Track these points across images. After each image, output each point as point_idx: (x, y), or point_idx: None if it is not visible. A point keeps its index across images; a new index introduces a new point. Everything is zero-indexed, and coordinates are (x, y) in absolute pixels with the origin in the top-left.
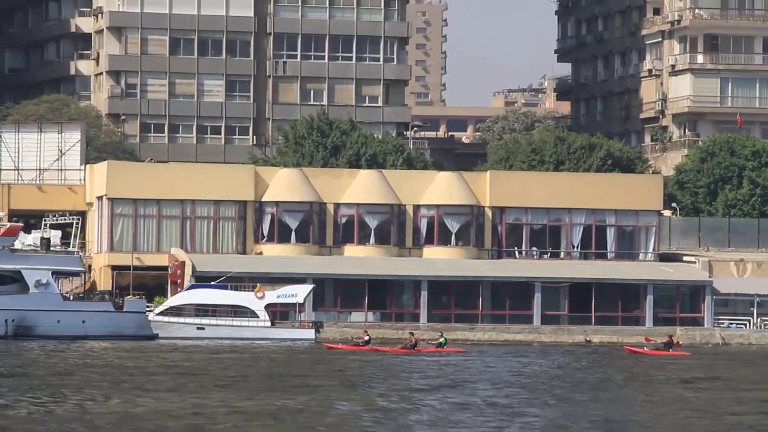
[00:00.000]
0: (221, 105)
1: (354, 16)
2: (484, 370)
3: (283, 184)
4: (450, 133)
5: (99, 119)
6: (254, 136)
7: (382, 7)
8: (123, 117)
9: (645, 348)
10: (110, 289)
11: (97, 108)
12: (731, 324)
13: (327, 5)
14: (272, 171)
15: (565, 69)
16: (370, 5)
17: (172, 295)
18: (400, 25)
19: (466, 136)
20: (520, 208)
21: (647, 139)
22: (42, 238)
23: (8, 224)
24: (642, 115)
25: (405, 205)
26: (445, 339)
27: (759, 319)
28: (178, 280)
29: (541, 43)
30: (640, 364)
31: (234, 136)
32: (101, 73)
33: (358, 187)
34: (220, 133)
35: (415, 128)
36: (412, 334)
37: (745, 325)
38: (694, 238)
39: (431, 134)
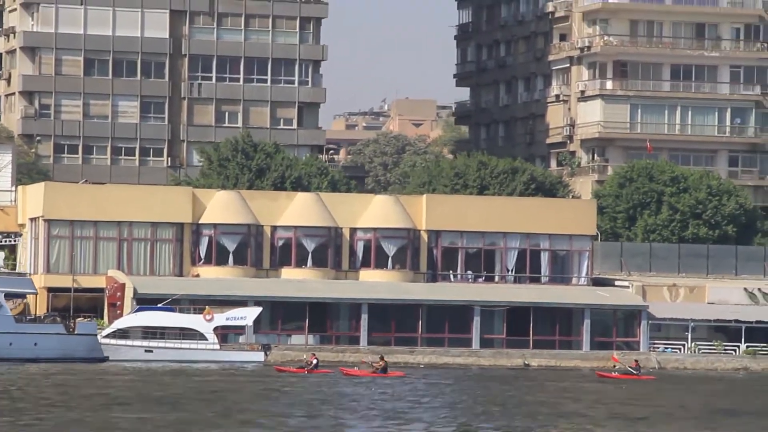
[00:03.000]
0: (136, 126)
1: (269, 38)
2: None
3: (221, 206)
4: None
5: (11, 140)
6: (169, 158)
7: (297, 29)
8: (38, 138)
9: (614, 372)
10: (45, 311)
11: (9, 128)
12: (666, 348)
13: (242, 27)
14: (209, 193)
15: (456, 94)
16: (285, 27)
17: (109, 317)
18: (314, 47)
19: (337, 159)
20: (456, 232)
21: (553, 164)
22: None
23: None
24: (548, 140)
25: (342, 228)
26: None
27: (693, 344)
28: (117, 302)
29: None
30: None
31: (148, 158)
32: (13, 93)
33: (295, 210)
34: (134, 155)
35: (330, 151)
36: (382, 358)
37: (680, 349)
38: (615, 262)
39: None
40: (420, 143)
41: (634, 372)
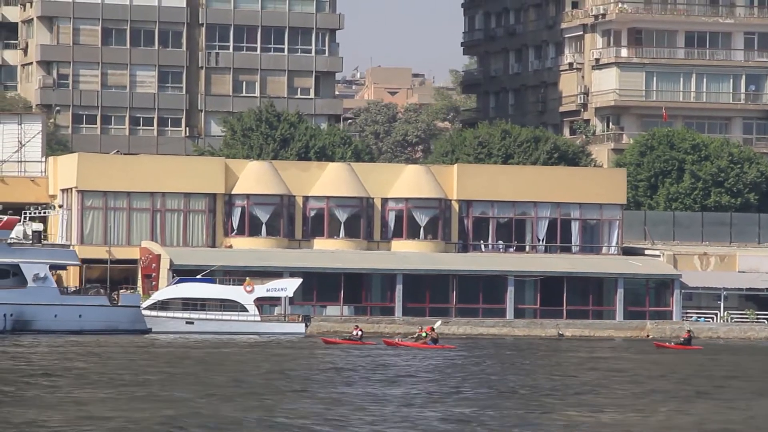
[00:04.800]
0: (153, 96)
1: (286, 7)
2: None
3: (253, 177)
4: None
5: (29, 110)
6: (187, 128)
7: None
8: (57, 108)
9: (671, 343)
10: (78, 283)
11: (26, 98)
12: (699, 317)
13: None
14: (242, 164)
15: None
16: None
17: (144, 288)
18: (331, 16)
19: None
20: (487, 202)
21: (566, 132)
22: (35, 232)
23: (5, 217)
24: (561, 108)
25: (373, 198)
26: (426, 333)
27: (726, 313)
28: (153, 273)
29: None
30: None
31: (166, 128)
32: (30, 63)
33: (327, 180)
34: (152, 125)
35: (349, 121)
36: (433, 329)
37: (713, 318)
38: (638, 231)
39: None
40: (411, 112)
41: (688, 343)
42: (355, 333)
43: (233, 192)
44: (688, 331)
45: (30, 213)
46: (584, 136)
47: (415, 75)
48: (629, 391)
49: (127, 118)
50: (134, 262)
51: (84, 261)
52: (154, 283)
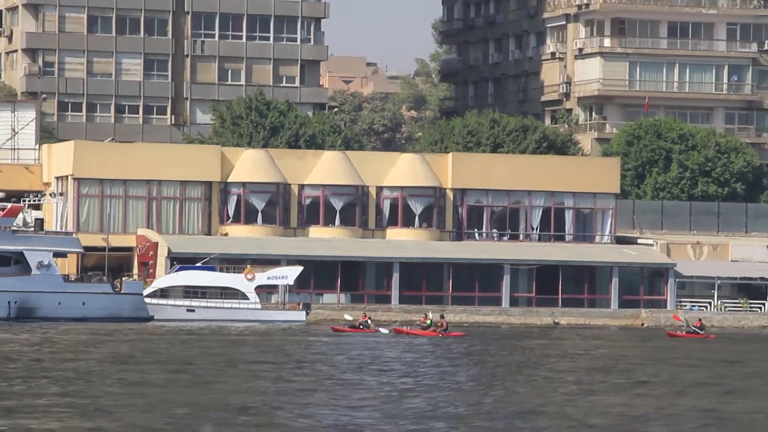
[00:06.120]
0: (139, 84)
1: None
2: None
3: (249, 165)
4: None
5: (14, 98)
6: (172, 116)
7: None
8: (43, 96)
9: (683, 332)
10: (75, 271)
11: (11, 86)
12: (693, 306)
13: None
14: (238, 152)
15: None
16: None
17: (140, 276)
18: (316, 5)
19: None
20: (481, 190)
21: (548, 121)
22: (36, 219)
23: (8, 205)
24: (543, 98)
25: (368, 186)
26: (431, 321)
27: (720, 302)
28: (150, 261)
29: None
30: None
31: (152, 116)
32: (15, 51)
33: (322, 169)
34: (138, 113)
35: (335, 109)
36: (443, 316)
37: (707, 307)
38: (625, 220)
39: None
40: (377, 101)
41: (700, 331)
42: (363, 321)
43: (229, 180)
44: (699, 319)
45: (30, 201)
46: (567, 126)
47: (369, 64)
48: None
49: (112, 106)
50: (130, 249)
51: None
52: (151, 270)
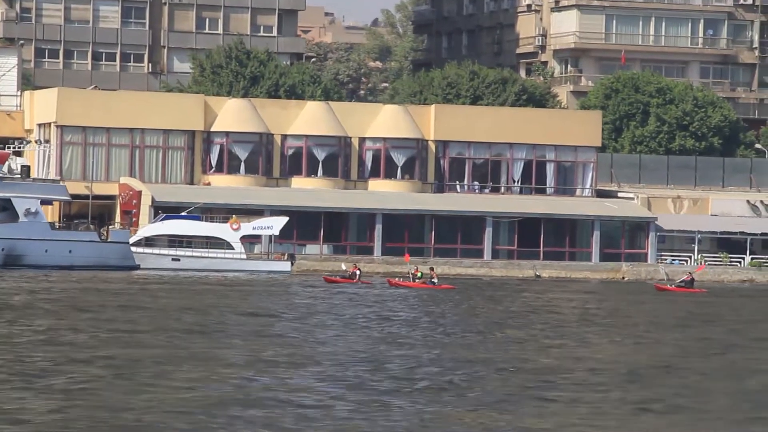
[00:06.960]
0: (117, 31)
1: None
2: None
3: (232, 115)
4: None
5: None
6: (149, 64)
7: None
8: (21, 42)
9: (671, 285)
10: (57, 218)
11: None
12: (674, 260)
13: None
14: (221, 101)
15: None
16: None
17: (122, 224)
18: None
19: None
20: (463, 143)
21: (522, 74)
22: (23, 167)
23: None
24: (518, 50)
25: (351, 138)
26: (422, 273)
27: (700, 256)
28: (133, 210)
29: None
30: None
31: (129, 63)
32: None
33: (305, 119)
34: (115, 60)
35: (313, 59)
36: (432, 269)
37: (687, 261)
38: (603, 173)
39: None
40: (342, 51)
41: (687, 285)
42: (353, 272)
43: (212, 129)
44: (690, 273)
45: (15, 147)
46: (542, 78)
47: (326, 14)
48: None
49: (89, 53)
50: (113, 198)
51: None
52: (134, 219)
